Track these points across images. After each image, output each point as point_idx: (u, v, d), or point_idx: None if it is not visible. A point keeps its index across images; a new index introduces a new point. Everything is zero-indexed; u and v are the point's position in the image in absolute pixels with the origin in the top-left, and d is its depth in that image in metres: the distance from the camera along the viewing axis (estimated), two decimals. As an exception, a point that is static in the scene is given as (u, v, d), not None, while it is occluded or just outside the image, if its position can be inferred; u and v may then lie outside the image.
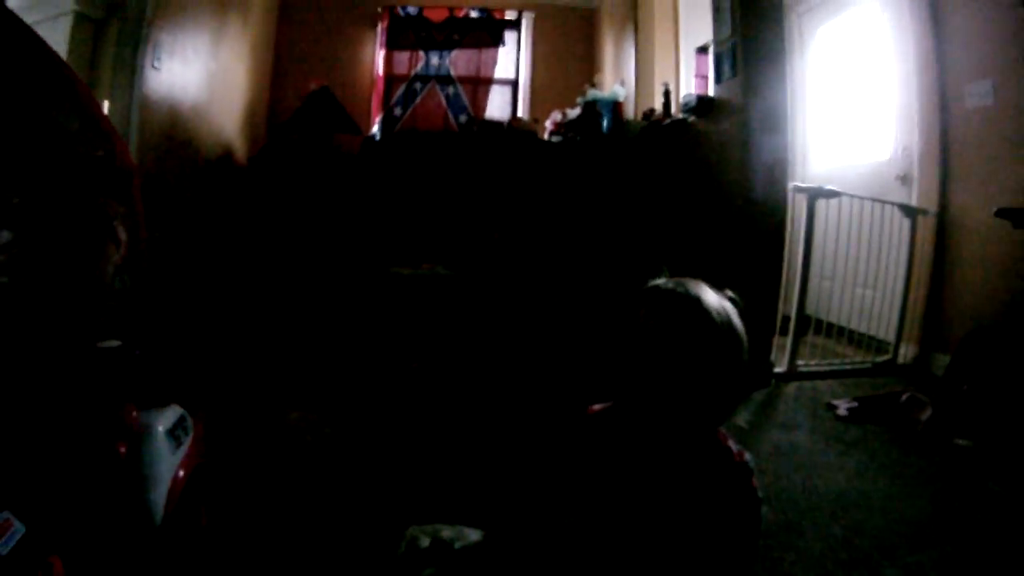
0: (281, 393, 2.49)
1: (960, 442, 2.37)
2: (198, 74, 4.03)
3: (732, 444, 0.95)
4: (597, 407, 1.05)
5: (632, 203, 3.69)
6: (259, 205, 4.07)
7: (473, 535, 1.13)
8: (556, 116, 4.92)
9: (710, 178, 3.44)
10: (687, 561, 0.89)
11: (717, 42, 3.32)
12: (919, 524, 1.83)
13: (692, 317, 0.89)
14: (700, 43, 4.09)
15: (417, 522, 1.17)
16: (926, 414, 2.55)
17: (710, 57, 3.51)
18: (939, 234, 3.31)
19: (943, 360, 3.04)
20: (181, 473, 1.50)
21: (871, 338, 3.46)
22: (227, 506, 1.68)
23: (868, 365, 3.30)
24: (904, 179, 3.50)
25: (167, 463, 1.46)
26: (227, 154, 4.59)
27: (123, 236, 1.61)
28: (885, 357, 3.35)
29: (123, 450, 1.36)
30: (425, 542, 1.10)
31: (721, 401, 0.92)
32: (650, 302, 0.93)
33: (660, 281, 0.97)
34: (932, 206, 3.31)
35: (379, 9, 6.20)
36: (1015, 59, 2.85)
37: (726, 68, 3.19)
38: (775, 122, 3.02)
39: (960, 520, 1.86)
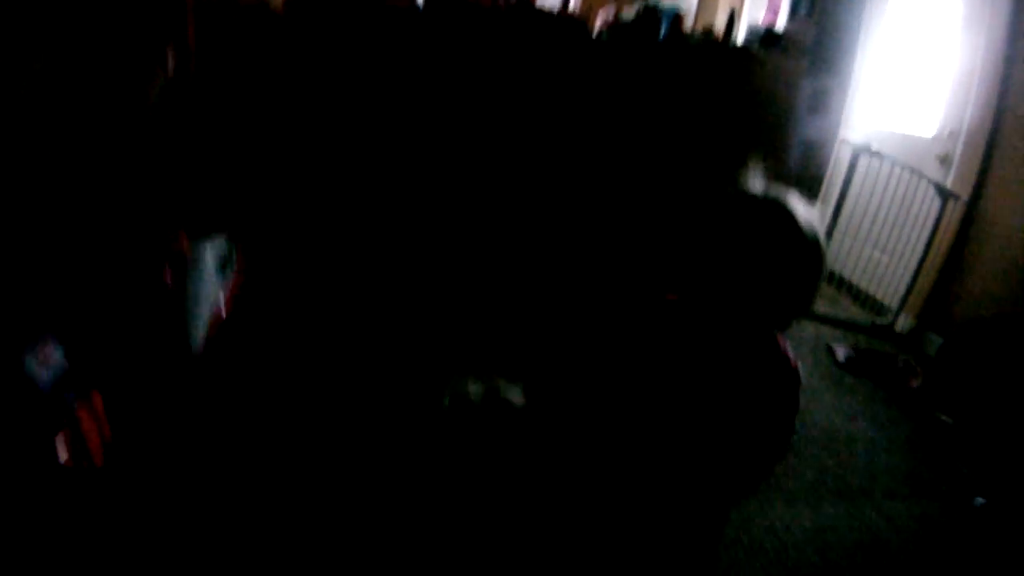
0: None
1: (943, 418, 2.47)
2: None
3: (790, 352, 1.00)
4: (673, 296, 1.06)
5: (688, 119, 3.60)
6: (298, 69, 3.84)
7: (514, 391, 1.11)
8: (608, 14, 4.61)
9: (764, 111, 3.36)
10: (720, 447, 0.95)
11: (799, -23, 3.18)
12: (894, 476, 1.97)
13: (786, 232, 0.91)
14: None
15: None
16: (917, 382, 2.65)
17: (786, -8, 3.37)
18: (964, 222, 3.22)
19: (936, 340, 3.09)
20: (223, 305, 1.54)
21: (873, 298, 3.53)
22: (267, 341, 1.71)
23: (867, 323, 3.37)
24: (944, 160, 3.40)
25: (212, 294, 1.50)
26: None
27: (171, 63, 1.57)
28: (884, 321, 3.41)
29: (168, 278, 1.35)
30: (474, 389, 1.08)
31: (795, 310, 0.97)
32: (745, 209, 0.94)
33: (756, 186, 0.96)
34: (965, 193, 3.21)
35: None
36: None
37: (803, 5, 3.08)
38: (841, 70, 2.95)
39: (931, 487, 2.00)
